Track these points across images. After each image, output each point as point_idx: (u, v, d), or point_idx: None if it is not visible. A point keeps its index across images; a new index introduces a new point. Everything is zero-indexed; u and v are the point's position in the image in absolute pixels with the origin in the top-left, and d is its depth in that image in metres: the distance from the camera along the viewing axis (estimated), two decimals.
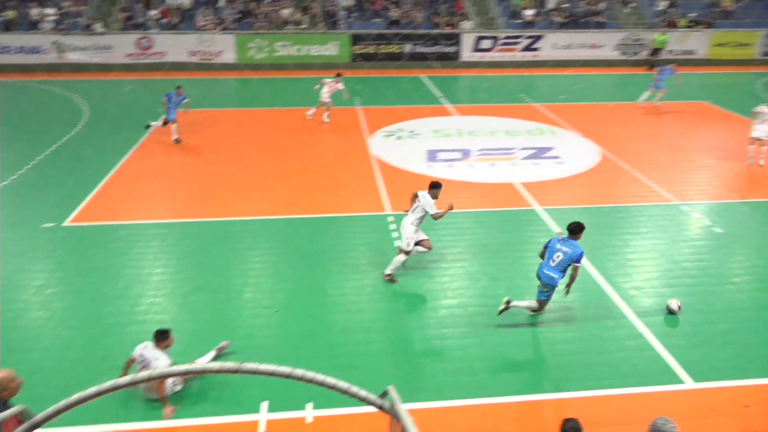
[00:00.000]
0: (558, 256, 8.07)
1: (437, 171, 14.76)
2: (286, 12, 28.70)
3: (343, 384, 2.76)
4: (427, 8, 29.75)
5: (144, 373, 2.81)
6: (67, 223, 11.73)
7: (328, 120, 18.86)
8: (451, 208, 9.31)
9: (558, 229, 11.48)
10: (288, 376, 2.72)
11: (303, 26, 28.48)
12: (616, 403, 7.13)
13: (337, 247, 10.93)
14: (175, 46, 26.97)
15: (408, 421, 2.69)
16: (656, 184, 13.57)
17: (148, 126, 17.56)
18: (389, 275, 9.67)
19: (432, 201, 9.26)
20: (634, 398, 7.19)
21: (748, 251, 10.98)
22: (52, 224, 11.61)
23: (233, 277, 9.91)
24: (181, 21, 28.09)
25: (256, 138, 17.39)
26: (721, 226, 11.89)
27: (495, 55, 28.57)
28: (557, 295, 8.51)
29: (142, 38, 26.82)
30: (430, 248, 9.80)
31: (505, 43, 28.51)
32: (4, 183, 13.75)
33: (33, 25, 27.32)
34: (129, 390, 6.96)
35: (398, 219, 11.84)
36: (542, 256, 8.41)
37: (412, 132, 18.15)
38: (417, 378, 7.58)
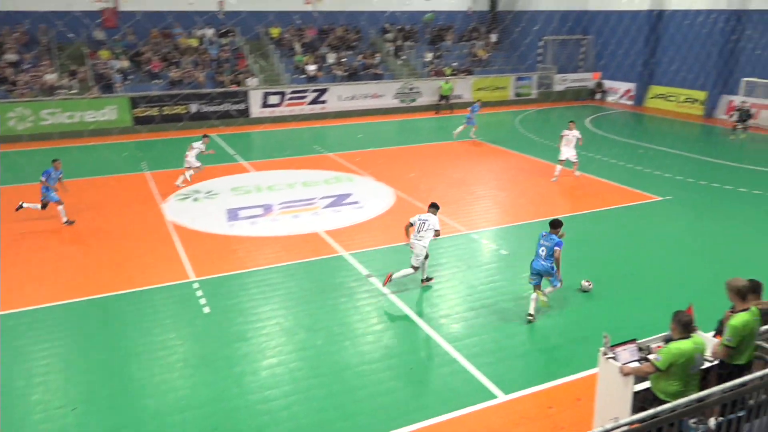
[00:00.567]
0: (543, 250, 9.81)
1: (240, 229, 14.40)
2: (50, 77, 26.27)
3: None
4: (209, 67, 29.44)
5: None
6: None
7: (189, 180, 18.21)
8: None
9: (366, 271, 11.84)
10: None
11: (73, 91, 26.28)
12: (444, 430, 7.38)
13: (138, 325, 9.98)
14: None
15: None
16: (447, 217, 14.72)
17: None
18: (425, 279, 11.35)
19: (437, 219, 11.03)
20: (458, 422, 7.50)
21: (528, 267, 12.33)
22: None
23: (14, 380, 8.47)
24: None
25: (30, 220, 15.29)
26: (505, 248, 13.29)
27: (284, 110, 29.12)
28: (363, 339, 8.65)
29: None
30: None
31: (292, 98, 29.24)
32: None
33: None
34: None
35: (203, 284, 11.29)
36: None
37: (209, 192, 17.54)
38: None
